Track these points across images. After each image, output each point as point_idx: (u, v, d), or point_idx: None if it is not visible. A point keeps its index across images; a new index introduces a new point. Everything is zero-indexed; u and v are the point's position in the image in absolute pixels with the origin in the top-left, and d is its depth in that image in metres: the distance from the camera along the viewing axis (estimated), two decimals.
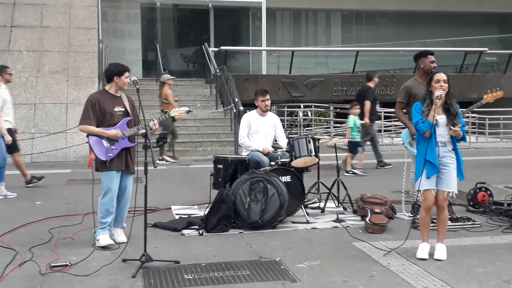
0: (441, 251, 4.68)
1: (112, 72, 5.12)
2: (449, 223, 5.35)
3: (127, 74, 5.15)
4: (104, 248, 5.00)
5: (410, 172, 6.21)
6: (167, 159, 10.73)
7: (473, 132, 15.81)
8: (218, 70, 14.36)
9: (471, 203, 6.50)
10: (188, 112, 5.35)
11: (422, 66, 6.22)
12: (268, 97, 6.82)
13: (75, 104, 11.85)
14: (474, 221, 5.79)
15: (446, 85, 4.63)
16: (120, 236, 5.25)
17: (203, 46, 16.30)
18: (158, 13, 17.87)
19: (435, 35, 20.01)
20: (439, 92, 4.60)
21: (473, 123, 16.04)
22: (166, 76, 11.11)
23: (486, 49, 18.13)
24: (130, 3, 17.90)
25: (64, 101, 11.95)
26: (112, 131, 5.05)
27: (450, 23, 20.34)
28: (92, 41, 12.90)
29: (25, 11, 12.85)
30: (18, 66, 12.21)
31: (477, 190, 6.49)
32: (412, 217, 5.90)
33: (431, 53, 6.29)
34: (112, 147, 5.03)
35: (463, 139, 4.67)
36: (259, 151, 6.62)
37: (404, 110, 6.32)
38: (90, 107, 5.03)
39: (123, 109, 5.17)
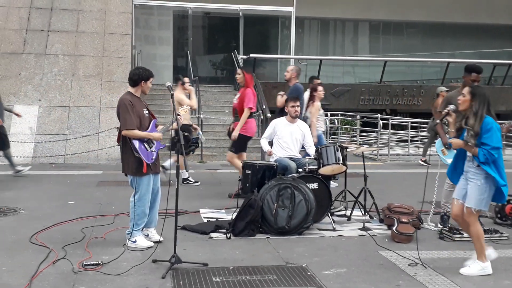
0: (466, 267, 4.64)
1: (140, 77, 5.19)
2: None
3: (151, 79, 5.27)
4: (137, 248, 5.10)
5: (445, 183, 6.18)
6: None
7: None
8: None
9: (499, 215, 6.45)
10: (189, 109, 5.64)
11: (464, 80, 6.09)
12: (298, 103, 6.93)
13: (108, 108, 12.12)
14: (502, 233, 5.75)
15: (461, 99, 4.59)
16: (155, 235, 5.35)
17: (232, 53, 16.48)
18: (190, 21, 18.12)
19: (464, 47, 19.78)
20: (447, 108, 4.72)
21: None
22: (441, 88, 11.18)
23: None
24: (163, 10, 18.21)
25: (97, 104, 12.23)
26: (156, 134, 5.17)
27: (480, 35, 20.09)
28: (125, 46, 13.18)
29: (62, 17, 13.21)
30: (54, 69, 12.56)
31: (505, 203, 6.44)
32: (440, 228, 5.91)
33: (476, 70, 5.98)
34: (152, 150, 5.17)
35: (479, 158, 4.45)
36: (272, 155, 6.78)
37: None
38: (131, 111, 5.08)
39: (147, 112, 5.29)
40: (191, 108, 8.56)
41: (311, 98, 8.81)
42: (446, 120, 4.80)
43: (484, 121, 4.46)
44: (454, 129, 4.66)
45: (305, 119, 8.87)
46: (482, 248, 4.59)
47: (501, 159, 4.53)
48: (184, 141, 8.31)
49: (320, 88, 8.88)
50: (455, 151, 5.88)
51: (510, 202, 6.42)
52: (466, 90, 4.59)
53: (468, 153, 4.62)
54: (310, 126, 8.65)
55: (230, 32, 18.75)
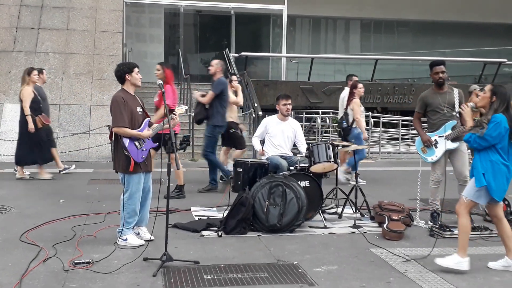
0: (443, 257, 4.66)
1: (123, 72, 5.16)
2: None
3: (136, 69, 5.20)
4: (128, 247, 5.10)
5: (430, 181, 6.23)
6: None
7: None
8: (238, 75, 14.49)
9: None
10: (186, 110, 5.55)
11: (431, 77, 6.32)
12: (290, 101, 6.95)
13: (99, 106, 12.07)
14: (492, 230, 5.78)
15: (481, 95, 4.74)
16: (146, 233, 5.34)
17: (224, 51, 16.46)
18: (181, 19, 18.09)
19: (455, 45, 19.90)
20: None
21: None
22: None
23: (505, 60, 18.02)
24: (154, 8, 18.16)
25: (88, 102, 12.17)
26: (146, 132, 5.13)
27: (471, 34, 20.22)
28: (116, 44, 13.13)
29: (52, 14, 13.12)
30: (45, 67, 12.41)
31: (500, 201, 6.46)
32: (430, 226, 5.95)
33: (438, 63, 6.21)
34: (143, 149, 5.14)
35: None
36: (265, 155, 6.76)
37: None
38: (123, 108, 5.04)
39: (141, 110, 5.25)
40: (237, 105, 8.74)
41: (351, 95, 8.93)
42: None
43: (493, 116, 4.54)
44: (471, 125, 4.74)
45: (346, 116, 8.92)
46: (465, 243, 4.59)
47: (499, 165, 4.54)
48: (232, 138, 8.41)
49: (360, 85, 9.02)
50: (435, 148, 6.02)
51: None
52: (487, 87, 4.69)
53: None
54: (351, 123, 8.79)
55: (222, 30, 18.74)
